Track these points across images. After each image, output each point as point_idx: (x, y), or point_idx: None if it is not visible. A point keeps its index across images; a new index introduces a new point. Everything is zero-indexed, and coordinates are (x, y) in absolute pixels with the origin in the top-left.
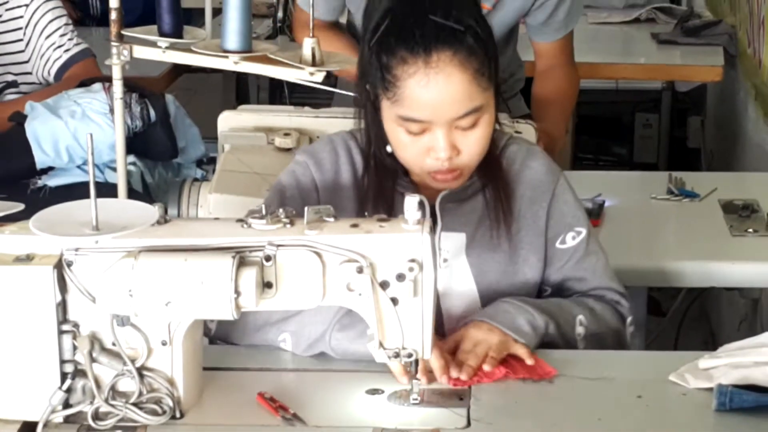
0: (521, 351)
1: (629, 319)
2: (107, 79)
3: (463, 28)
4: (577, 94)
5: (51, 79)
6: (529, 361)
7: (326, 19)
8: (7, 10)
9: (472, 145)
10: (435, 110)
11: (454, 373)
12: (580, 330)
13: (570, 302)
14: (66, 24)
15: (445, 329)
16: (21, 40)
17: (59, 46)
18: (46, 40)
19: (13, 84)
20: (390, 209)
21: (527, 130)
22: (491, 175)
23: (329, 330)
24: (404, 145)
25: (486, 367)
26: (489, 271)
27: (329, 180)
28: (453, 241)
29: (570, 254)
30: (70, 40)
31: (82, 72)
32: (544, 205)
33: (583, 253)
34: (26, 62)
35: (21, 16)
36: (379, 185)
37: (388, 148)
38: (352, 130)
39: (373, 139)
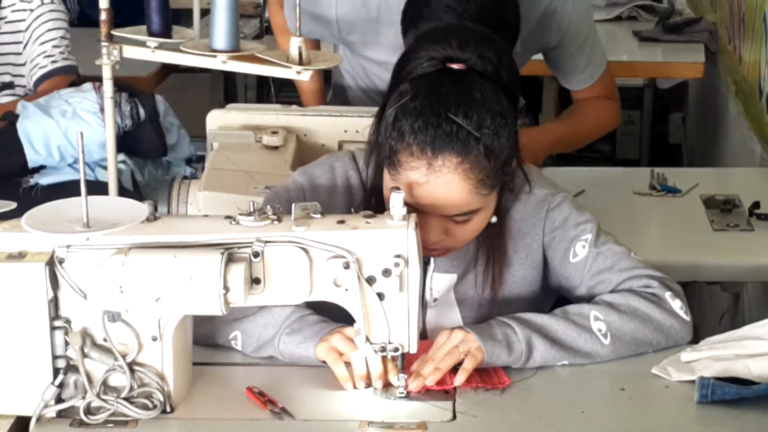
0: (468, 360)
1: (667, 294)
2: (97, 79)
3: (479, 135)
4: (606, 131)
5: (32, 84)
6: (459, 379)
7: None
8: (12, 11)
9: (463, 234)
10: (428, 206)
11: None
12: (599, 325)
13: (582, 304)
14: (62, 37)
15: None
16: (20, 42)
17: (49, 56)
18: (40, 46)
19: (10, 85)
20: None
21: None
22: (484, 230)
23: (279, 333)
24: None
25: (428, 382)
26: (476, 309)
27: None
28: (443, 282)
29: (584, 264)
30: (61, 53)
31: (59, 87)
32: (537, 237)
33: (593, 257)
34: (22, 65)
35: (23, 20)
36: None
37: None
38: (355, 151)
39: (374, 184)
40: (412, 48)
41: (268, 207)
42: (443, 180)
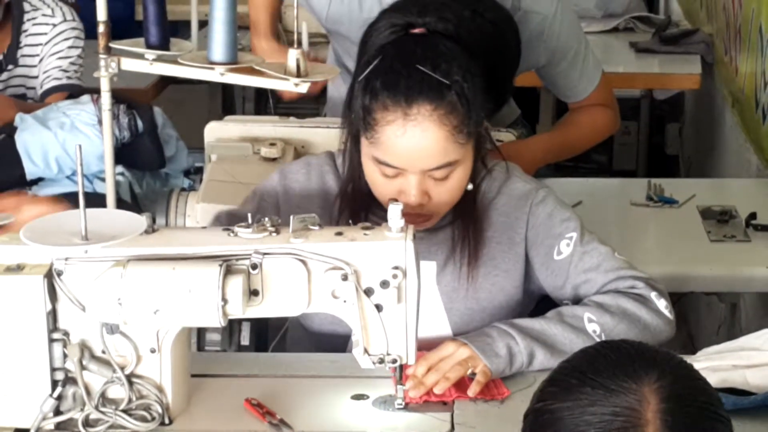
0: (480, 375)
1: (653, 294)
2: (95, 91)
3: (449, 83)
4: (602, 137)
5: (38, 94)
6: (473, 390)
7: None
8: (33, 25)
9: (444, 194)
10: (408, 160)
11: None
12: (593, 327)
13: (576, 305)
14: (79, 56)
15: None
16: (38, 55)
17: (64, 71)
18: (57, 60)
19: (23, 98)
20: None
21: (507, 138)
22: (462, 212)
23: None
24: (378, 184)
25: (436, 390)
26: (460, 301)
27: (293, 206)
28: (424, 270)
29: (569, 262)
30: (75, 72)
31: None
32: (521, 231)
33: (579, 256)
34: (36, 77)
35: (45, 33)
36: (351, 213)
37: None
38: (335, 152)
39: (352, 167)
40: (375, 21)
41: (266, 219)
42: (420, 128)
